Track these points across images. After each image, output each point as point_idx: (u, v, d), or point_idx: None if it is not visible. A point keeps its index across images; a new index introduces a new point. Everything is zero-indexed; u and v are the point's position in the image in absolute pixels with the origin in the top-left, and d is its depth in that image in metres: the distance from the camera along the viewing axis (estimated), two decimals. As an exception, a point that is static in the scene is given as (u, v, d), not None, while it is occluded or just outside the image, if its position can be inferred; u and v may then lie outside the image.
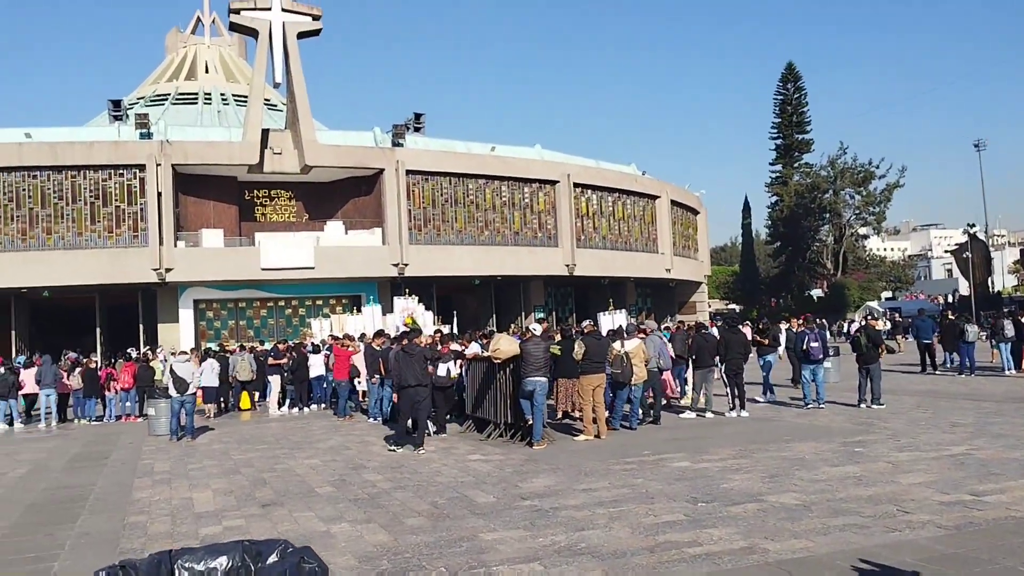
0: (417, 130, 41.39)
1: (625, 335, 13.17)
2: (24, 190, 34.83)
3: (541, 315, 42.78)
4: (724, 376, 14.83)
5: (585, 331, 13.15)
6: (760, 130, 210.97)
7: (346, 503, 8.54)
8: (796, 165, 72.76)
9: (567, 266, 41.38)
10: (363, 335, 20.86)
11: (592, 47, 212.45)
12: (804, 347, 14.57)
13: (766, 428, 12.84)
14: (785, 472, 9.08)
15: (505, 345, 12.06)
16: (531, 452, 11.30)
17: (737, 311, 71.58)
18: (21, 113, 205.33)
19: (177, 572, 3.07)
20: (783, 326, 19.30)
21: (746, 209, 78.97)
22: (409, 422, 12.45)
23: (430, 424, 13.74)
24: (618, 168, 47.74)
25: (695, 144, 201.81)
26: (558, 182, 41.91)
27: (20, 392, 18.70)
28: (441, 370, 13.77)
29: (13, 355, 34.96)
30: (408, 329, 14.84)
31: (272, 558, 3.13)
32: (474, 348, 14.67)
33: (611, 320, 25.94)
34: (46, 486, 10.47)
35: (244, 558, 3.14)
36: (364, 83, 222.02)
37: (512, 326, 32.49)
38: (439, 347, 14.84)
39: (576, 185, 42.75)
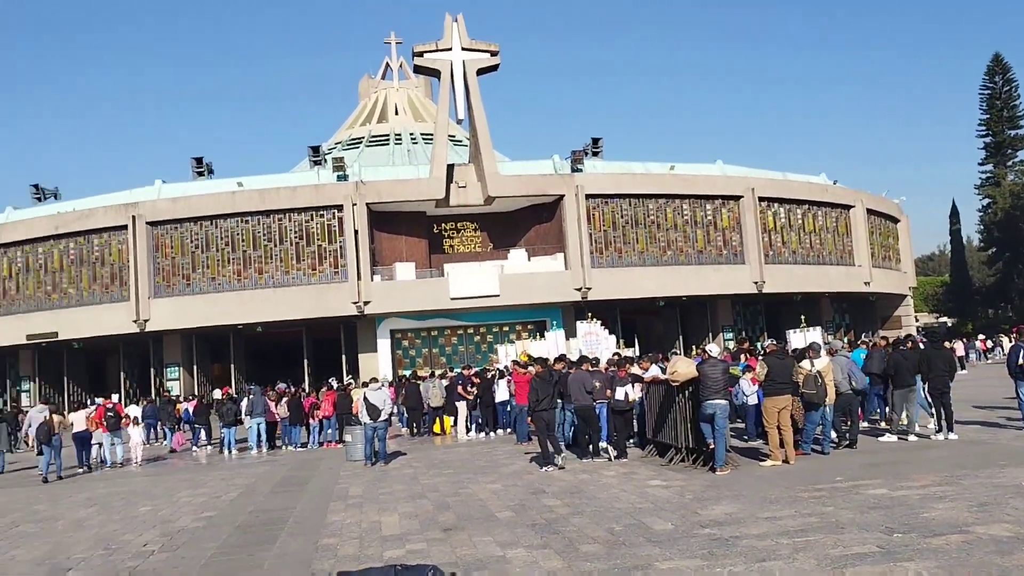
0: (595, 154, 41.60)
1: (812, 353, 12.48)
2: (238, 234, 38.13)
3: (730, 335, 41.55)
4: (928, 395, 13.73)
5: (767, 351, 12.59)
6: (965, 128, 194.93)
7: (524, 528, 8.61)
8: (1009, 164, 66.65)
9: (755, 283, 39.98)
10: (545, 360, 21.10)
11: (771, 52, 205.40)
12: (1020, 361, 13.22)
13: (977, 452, 11.73)
14: (997, 501, 8.23)
15: (683, 367, 11.78)
16: (713, 478, 10.93)
17: (948, 324, 66.13)
18: (234, 164, 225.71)
19: (334, 595, 3.21)
20: (1005, 339, 17.61)
21: (954, 214, 73.09)
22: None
23: (610, 449, 13.64)
24: (806, 179, 45.68)
25: (891, 148, 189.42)
26: (742, 197, 40.71)
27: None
28: (619, 393, 13.64)
29: (233, 386, 38.17)
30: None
31: (421, 584, 3.21)
32: (654, 371, 14.42)
33: (803, 338, 24.75)
34: (253, 508, 11.28)
35: (396, 583, 3.23)
36: (542, 112, 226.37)
37: (695, 348, 31.73)
38: (614, 370, 14.72)
39: (762, 199, 41.34)
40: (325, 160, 41.35)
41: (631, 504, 9.52)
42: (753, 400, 14.31)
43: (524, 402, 16.99)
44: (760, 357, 12.40)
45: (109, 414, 18.43)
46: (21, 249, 40.74)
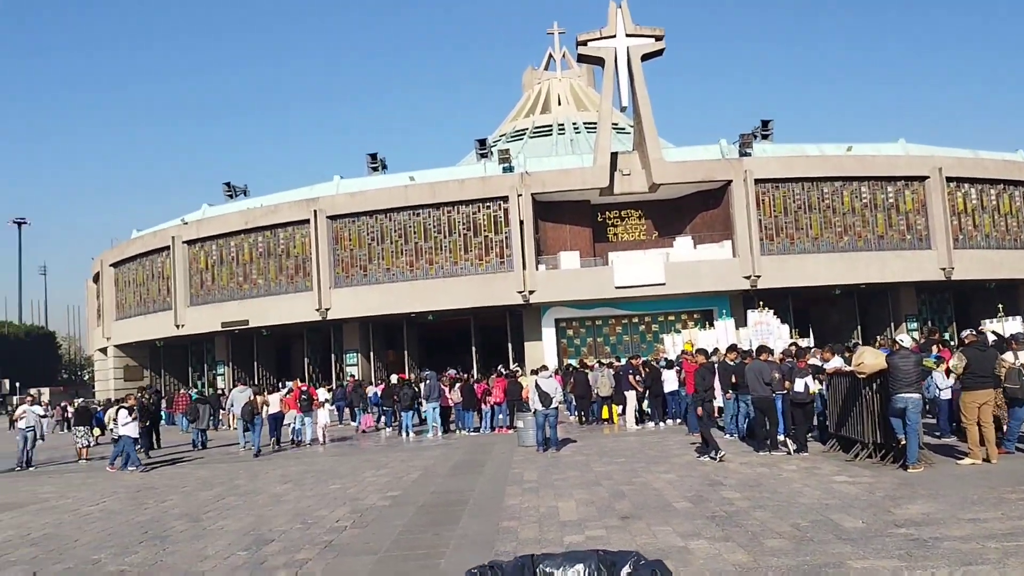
0: (765, 137, 40.13)
1: (1016, 345, 11.54)
2: (410, 226, 39.54)
3: (914, 326, 39.07)
4: None
5: (966, 342, 11.74)
6: None
7: (703, 520, 8.48)
8: None
9: (943, 270, 37.35)
10: (715, 350, 20.65)
11: (958, 17, 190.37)
12: None
13: None
14: None
15: (870, 359, 11.19)
16: (905, 475, 10.33)
17: None
18: (406, 159, 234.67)
19: (539, 574, 3.29)
20: None
21: None
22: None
23: (789, 442, 13.20)
24: (1001, 156, 42.10)
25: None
26: (928, 178, 38.09)
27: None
28: (799, 385, 13.15)
29: (407, 373, 39.71)
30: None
31: (626, 569, 3.23)
32: (836, 362, 13.79)
33: (1001, 328, 22.91)
34: (434, 490, 11.71)
35: (600, 567, 3.27)
36: (707, 96, 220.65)
37: (879, 338, 29.98)
38: (792, 361, 14.20)
39: (950, 179, 38.53)
40: (491, 152, 42.13)
41: (816, 500, 9.17)
42: (947, 395, 13.42)
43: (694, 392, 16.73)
44: (957, 349, 11.57)
45: (303, 397, 19.72)
46: (216, 243, 44.06)
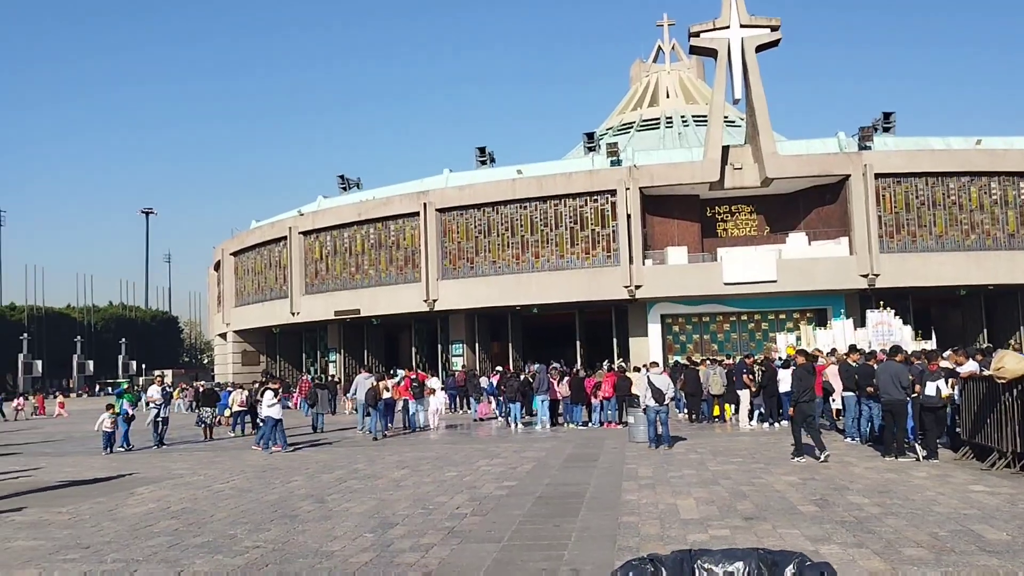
0: (886, 130, 38.59)
1: None
2: (517, 220, 39.74)
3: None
4: None
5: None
6: None
7: (832, 524, 8.24)
8: None
9: (1081, 271, 35.11)
10: (833, 350, 20.02)
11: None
12: None
13: None
14: None
15: (1012, 363, 10.62)
16: (1050, 488, 9.78)
17: None
18: (513, 152, 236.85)
19: (697, 571, 3.26)
20: None
21: None
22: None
23: (918, 448, 12.67)
24: None
25: None
26: (1065, 173, 35.85)
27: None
28: (930, 389, 12.59)
29: (511, 365, 40.00)
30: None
31: (790, 569, 3.17)
32: (971, 366, 13.15)
33: None
34: (549, 481, 11.77)
35: (760, 566, 3.22)
36: (825, 87, 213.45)
37: (1011, 342, 28.44)
38: (923, 363, 13.60)
39: (1090, 175, 36.15)
40: (599, 146, 41.93)
41: (953, 509, 8.77)
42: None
43: (818, 394, 16.25)
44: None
45: (415, 385, 20.16)
46: (330, 234, 45.40)
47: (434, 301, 40.41)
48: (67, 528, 9.34)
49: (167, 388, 22.43)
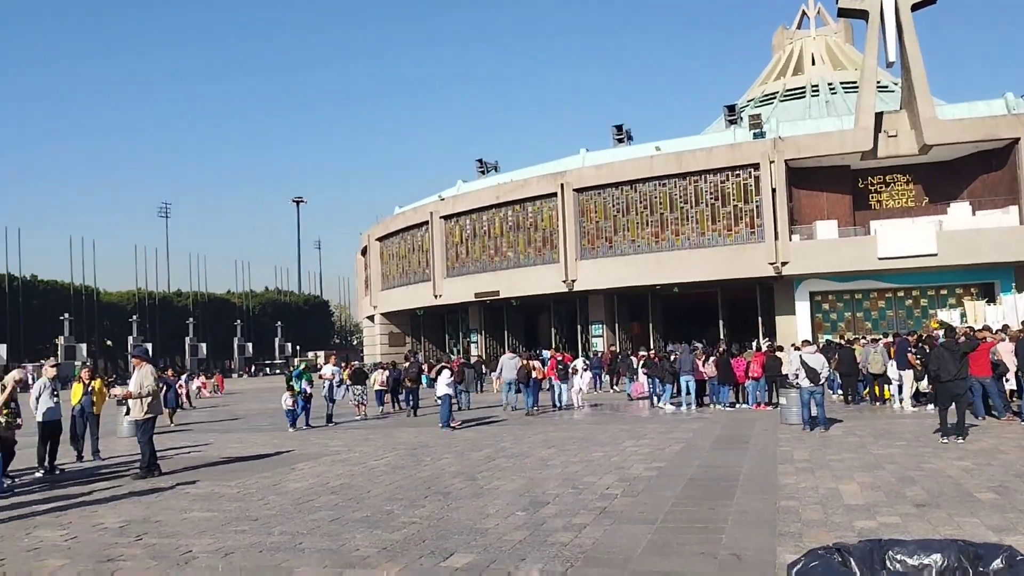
0: (1062, 88, 35.36)
1: None
2: (656, 197, 39.07)
3: None
4: None
5: None
6: None
7: (1016, 513, 7.63)
8: None
9: None
10: (1005, 327, 18.61)
11: None
12: None
13: None
14: None
15: None
16: None
17: None
18: (651, 129, 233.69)
19: (888, 562, 3.03)
20: None
21: None
22: None
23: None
24: None
25: None
26: None
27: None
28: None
29: (651, 344, 39.49)
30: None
31: (996, 563, 2.89)
32: None
33: None
34: (699, 463, 11.50)
35: (961, 559, 2.95)
36: (988, 46, 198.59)
37: None
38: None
39: None
40: (740, 118, 40.57)
41: None
42: None
43: (982, 373, 15.18)
44: None
45: (560, 365, 20.25)
46: (469, 217, 46.12)
47: (573, 281, 40.36)
48: (236, 501, 9.87)
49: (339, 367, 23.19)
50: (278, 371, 75.14)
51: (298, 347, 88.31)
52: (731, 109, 41.05)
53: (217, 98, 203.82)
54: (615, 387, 30.51)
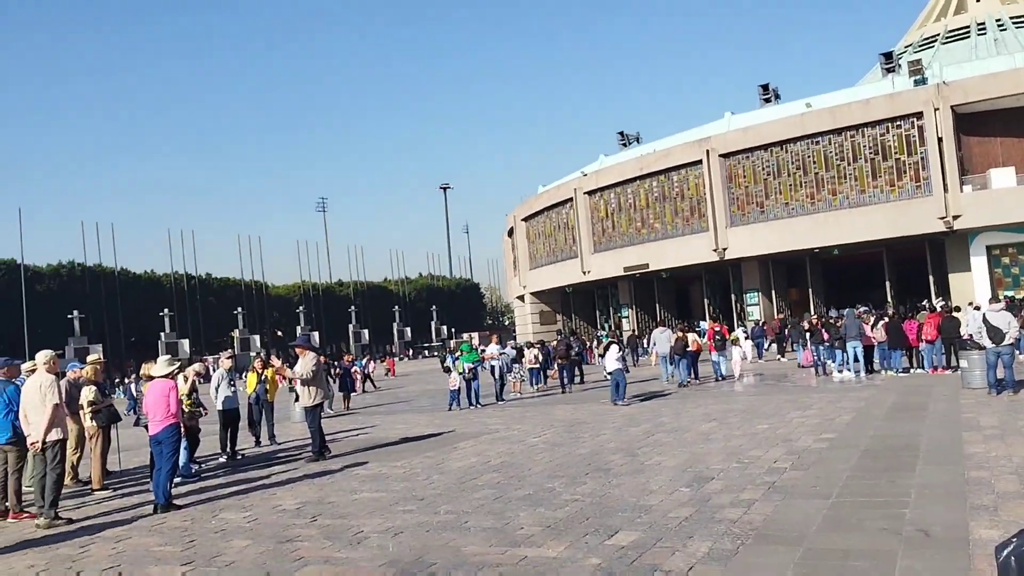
0: None
1: None
2: (809, 157, 37.30)
3: None
4: None
5: None
6: None
7: None
8: None
9: None
10: None
11: None
12: None
13: None
14: None
15: None
16: None
17: None
18: (800, 85, 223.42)
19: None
20: None
21: None
22: None
23: None
24: None
25: None
26: None
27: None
28: None
29: (811, 311, 37.82)
30: None
31: None
32: None
33: None
34: (873, 433, 10.85)
35: None
36: None
37: None
38: None
39: None
40: (899, 66, 38.04)
41: None
42: None
43: None
44: None
45: (717, 336, 19.75)
46: (614, 191, 45.64)
47: (724, 250, 39.25)
48: (403, 481, 10.15)
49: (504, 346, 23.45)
50: (435, 353, 77.33)
51: (452, 329, 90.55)
52: (888, 56, 38.54)
53: (361, 93, 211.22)
54: (782, 356, 29.43)
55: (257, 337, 73.37)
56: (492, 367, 21.31)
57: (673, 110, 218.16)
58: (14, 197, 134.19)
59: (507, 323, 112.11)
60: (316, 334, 68.18)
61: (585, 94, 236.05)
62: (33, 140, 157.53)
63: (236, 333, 71.53)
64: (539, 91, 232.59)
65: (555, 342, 25.12)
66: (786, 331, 30.42)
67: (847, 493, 7.58)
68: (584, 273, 47.26)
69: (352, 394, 24.50)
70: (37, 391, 9.18)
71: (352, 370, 26.23)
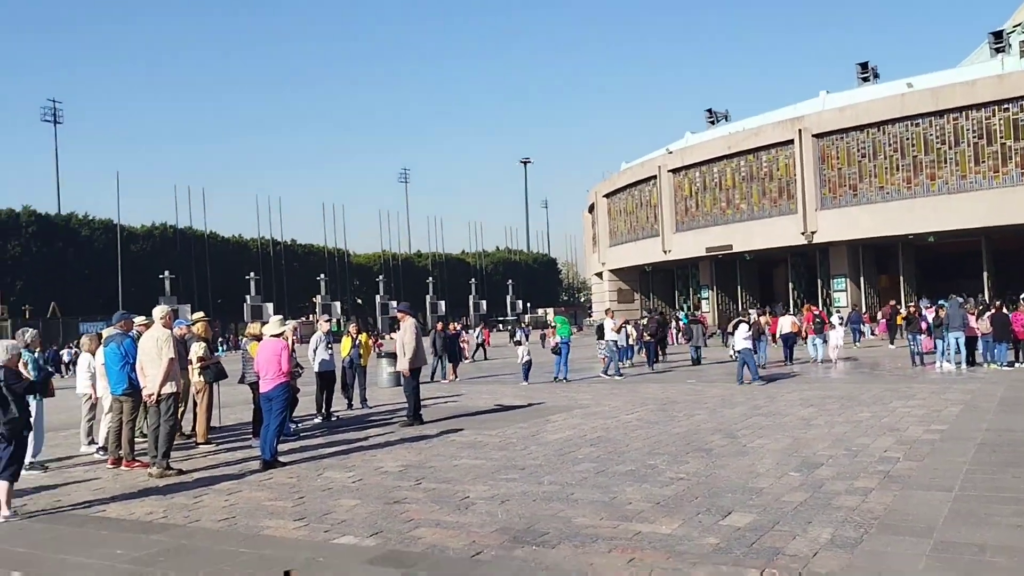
0: None
1: None
2: (907, 139, 35.99)
3: None
4: None
5: None
6: None
7: None
8: None
9: None
10: None
11: None
12: None
13: None
14: None
15: None
16: None
17: None
18: (900, 64, 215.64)
19: None
20: None
21: None
22: None
23: None
24: None
25: None
26: None
27: None
28: None
29: (902, 300, 36.61)
30: None
31: None
32: None
33: None
34: (987, 427, 10.43)
35: None
36: None
37: None
38: None
39: None
40: (1008, 45, 36.24)
41: None
42: None
43: None
44: None
45: (816, 319, 19.31)
46: (699, 170, 44.86)
47: (812, 233, 38.28)
48: (501, 450, 10.20)
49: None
50: (510, 327, 77.80)
51: (528, 304, 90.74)
52: (997, 36, 36.76)
53: (448, 66, 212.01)
54: (892, 343, 28.45)
55: (338, 303, 74.82)
56: (615, 342, 20.62)
57: (764, 88, 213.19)
58: (112, 160, 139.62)
59: (583, 300, 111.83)
60: (443, 303, 70.37)
61: (673, 70, 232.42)
62: (132, 107, 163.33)
63: (318, 299, 73.07)
64: (625, 66, 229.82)
65: (645, 319, 24.88)
66: (897, 317, 29.44)
67: (970, 487, 7.29)
68: (665, 252, 46.72)
69: (463, 361, 24.12)
70: (154, 344, 9.48)
71: (461, 338, 26.03)
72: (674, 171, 46.26)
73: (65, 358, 43.34)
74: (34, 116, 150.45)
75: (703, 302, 48.30)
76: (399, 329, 12.93)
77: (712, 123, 48.18)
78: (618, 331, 20.31)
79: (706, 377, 19.64)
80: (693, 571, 5.23)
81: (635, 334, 22.60)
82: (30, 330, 10.12)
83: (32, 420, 8.50)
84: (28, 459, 9.23)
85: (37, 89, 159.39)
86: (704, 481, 7.91)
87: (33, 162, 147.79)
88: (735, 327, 18.08)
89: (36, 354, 10.35)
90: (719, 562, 5.39)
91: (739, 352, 17.27)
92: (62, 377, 36.99)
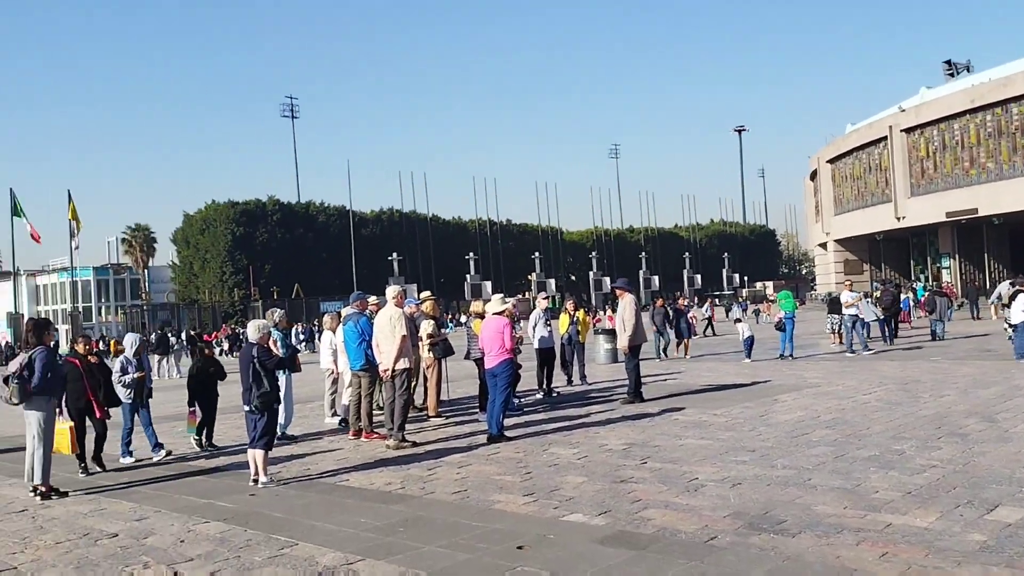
0: None
1: None
2: None
3: None
4: None
5: None
6: None
7: None
8: None
9: None
10: None
11: None
12: None
13: None
14: None
15: None
16: None
17: None
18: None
19: None
20: None
21: None
22: None
23: None
24: None
25: None
26: None
27: None
28: None
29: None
30: None
31: None
32: None
33: None
34: None
35: None
36: None
37: None
38: None
39: None
40: None
41: None
42: None
43: None
44: None
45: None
46: (936, 128, 41.13)
47: (1078, 191, 33.96)
48: (727, 430, 9.84)
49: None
50: (726, 302, 75.61)
51: (745, 278, 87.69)
52: None
53: (652, 36, 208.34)
54: None
55: (552, 281, 76.03)
56: (854, 316, 19.14)
57: (1013, 32, 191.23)
58: (343, 150, 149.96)
59: (805, 272, 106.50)
60: (656, 278, 70.42)
61: (903, 19, 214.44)
62: (359, 97, 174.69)
63: (533, 276, 74.63)
64: (847, 19, 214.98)
65: (879, 292, 23.21)
66: None
67: None
68: (898, 219, 43.29)
69: (692, 338, 23.25)
70: (388, 323, 9.97)
71: (690, 315, 25.18)
72: (908, 130, 42.61)
73: (301, 337, 47.05)
74: (274, 113, 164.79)
75: (943, 272, 44.33)
76: (617, 306, 12.80)
77: (952, 75, 43.95)
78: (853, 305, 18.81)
79: (952, 354, 18.00)
80: (958, 571, 4.72)
81: (877, 308, 20.43)
82: (278, 310, 10.99)
83: (282, 394, 9.24)
84: (279, 430, 10.05)
85: (277, 87, 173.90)
86: (961, 470, 7.19)
87: (275, 156, 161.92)
88: (1012, 298, 15.94)
89: (289, 331, 11.23)
90: (989, 562, 4.83)
91: (1013, 326, 15.48)
92: (313, 352, 40.27)
